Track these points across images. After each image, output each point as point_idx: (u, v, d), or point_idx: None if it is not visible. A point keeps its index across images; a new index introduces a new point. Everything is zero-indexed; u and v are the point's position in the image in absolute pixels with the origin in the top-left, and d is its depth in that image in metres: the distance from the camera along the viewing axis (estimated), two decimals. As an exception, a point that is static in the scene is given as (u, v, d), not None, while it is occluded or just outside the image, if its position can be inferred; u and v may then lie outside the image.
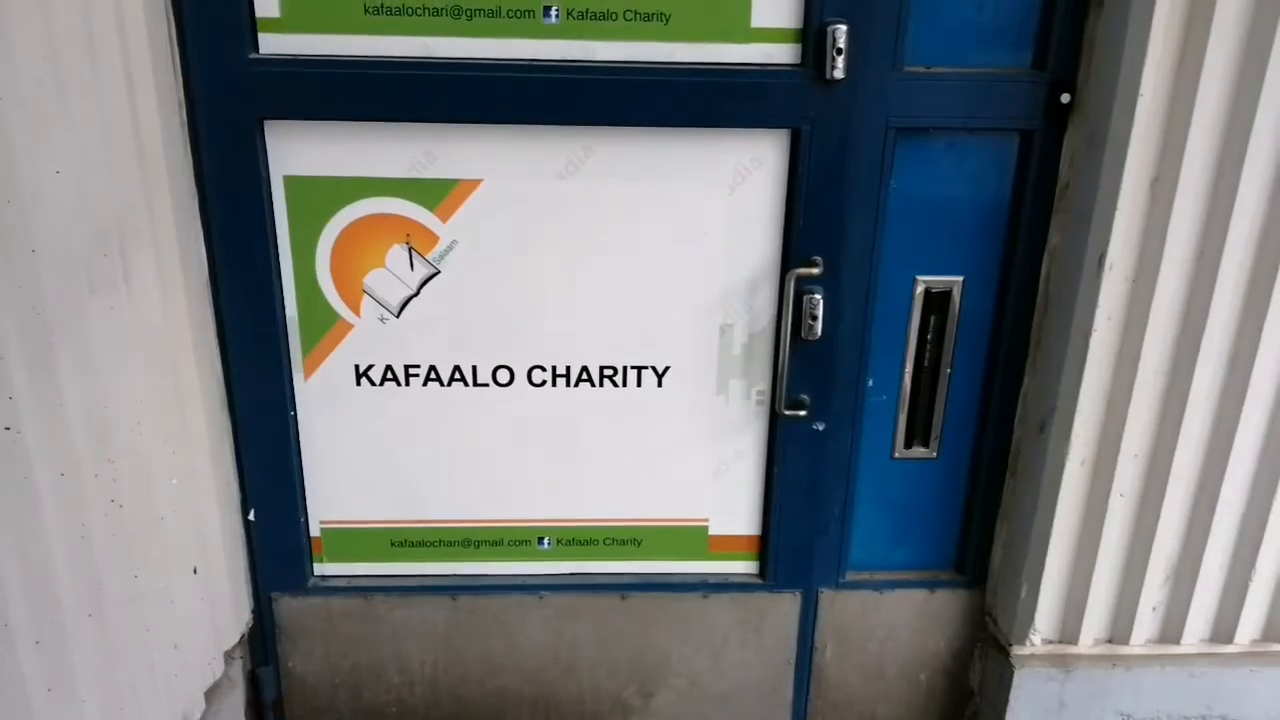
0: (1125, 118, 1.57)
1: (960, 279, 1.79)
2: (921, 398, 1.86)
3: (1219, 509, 1.79)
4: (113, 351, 1.38)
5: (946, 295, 1.80)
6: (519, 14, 1.59)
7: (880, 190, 1.70)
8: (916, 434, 1.89)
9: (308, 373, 1.79)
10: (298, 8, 1.56)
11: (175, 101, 1.54)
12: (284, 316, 1.74)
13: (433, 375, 1.81)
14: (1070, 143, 1.69)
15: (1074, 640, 1.90)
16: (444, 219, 1.71)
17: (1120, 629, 1.89)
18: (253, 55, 1.57)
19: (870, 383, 1.84)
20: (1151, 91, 1.55)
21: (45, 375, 1.22)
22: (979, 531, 1.94)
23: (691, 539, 1.94)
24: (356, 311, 1.76)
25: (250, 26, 1.56)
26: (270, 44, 1.58)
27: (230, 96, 1.58)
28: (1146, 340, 1.68)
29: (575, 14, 1.59)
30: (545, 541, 1.93)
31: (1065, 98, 1.65)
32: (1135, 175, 1.60)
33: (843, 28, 1.57)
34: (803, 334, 1.75)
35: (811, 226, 1.71)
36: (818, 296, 1.73)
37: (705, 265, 1.76)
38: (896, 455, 1.90)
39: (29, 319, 1.19)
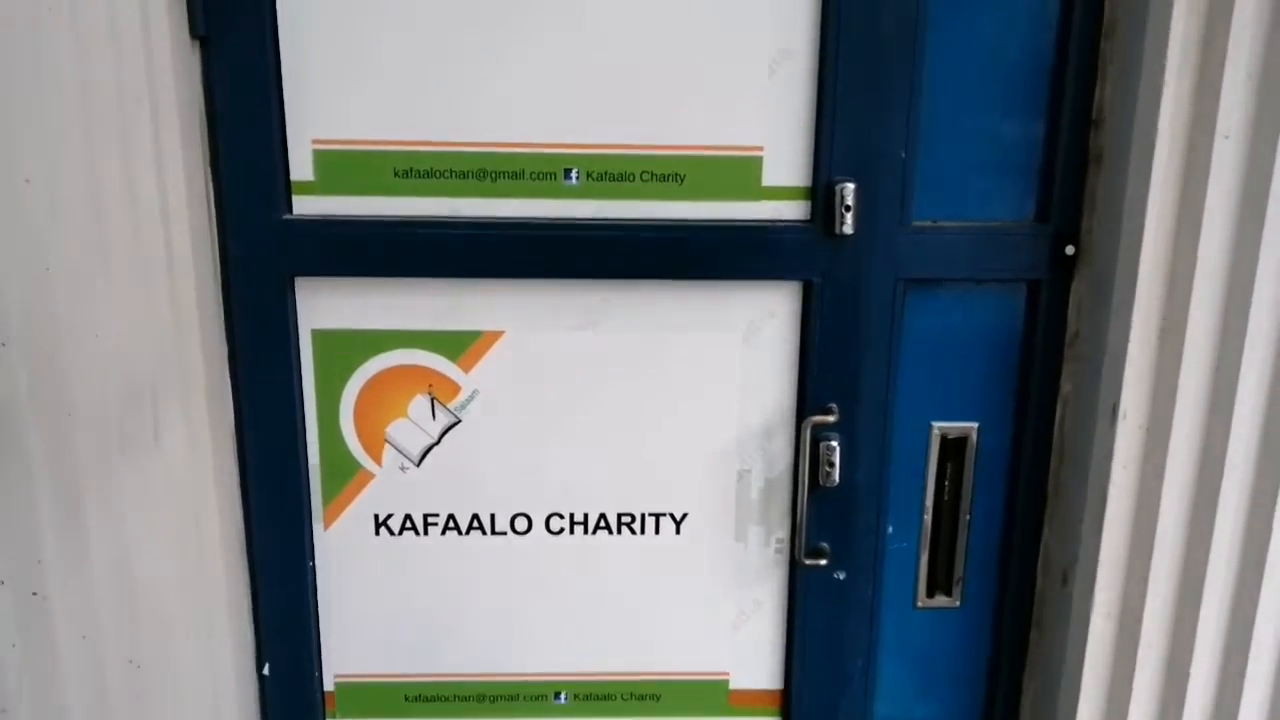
0: (1129, 269, 1.61)
1: (975, 425, 1.80)
2: (942, 545, 1.85)
3: (1251, 657, 1.74)
4: (139, 510, 1.40)
5: (963, 441, 1.81)
6: (541, 176, 1.67)
7: (892, 339, 1.74)
8: (938, 582, 1.87)
9: (328, 522, 1.80)
10: (331, 172, 1.64)
11: (211, 260, 1.60)
12: (306, 467, 1.76)
13: (451, 524, 1.81)
14: (1077, 292, 1.73)
15: (1112, 800, 1.82)
16: (466, 369, 1.75)
17: (1159, 787, 1.82)
18: (286, 216, 1.64)
19: (890, 530, 1.83)
20: (1154, 244, 1.60)
21: (74, 538, 1.24)
22: (1006, 685, 1.89)
23: (712, 694, 1.89)
24: (378, 461, 1.78)
25: (285, 189, 1.64)
26: (304, 205, 1.65)
27: (264, 255, 1.64)
28: (1165, 489, 1.67)
29: (595, 175, 1.67)
30: (562, 696, 1.89)
31: (1070, 249, 1.71)
32: (1143, 325, 1.63)
33: (850, 186, 1.64)
34: (820, 481, 1.76)
35: (826, 374, 1.74)
36: (834, 443, 1.75)
37: (721, 412, 1.78)
38: (919, 605, 1.88)
39: (62, 483, 1.22)
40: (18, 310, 1.14)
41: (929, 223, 1.71)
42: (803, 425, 1.74)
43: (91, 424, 1.28)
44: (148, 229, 1.40)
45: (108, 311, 1.31)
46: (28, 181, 1.15)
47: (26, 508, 1.18)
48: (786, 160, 1.67)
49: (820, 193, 1.66)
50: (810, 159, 1.66)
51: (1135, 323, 1.62)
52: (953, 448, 1.81)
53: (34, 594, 1.15)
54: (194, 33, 1.51)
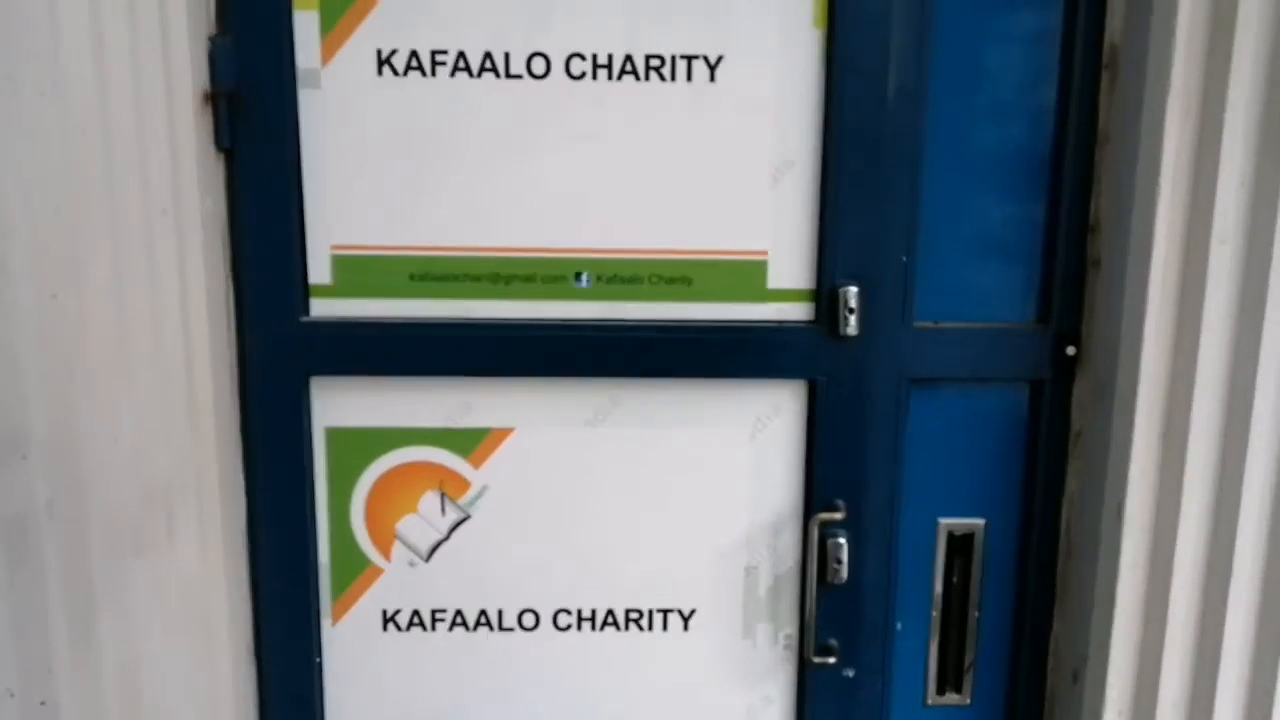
0: (1130, 372, 1.63)
1: (982, 522, 1.81)
2: (951, 642, 1.84)
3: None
4: (150, 612, 1.41)
5: (970, 538, 1.81)
6: (552, 279, 1.71)
7: (897, 437, 1.75)
8: (948, 680, 1.86)
9: (336, 618, 1.80)
10: (348, 276, 1.69)
11: (229, 362, 1.64)
12: (316, 563, 1.77)
13: (459, 620, 1.81)
14: (1079, 392, 1.75)
15: None
16: (476, 465, 1.77)
17: None
18: (304, 318, 1.68)
19: (899, 626, 1.83)
20: (1154, 347, 1.62)
21: (85, 644, 1.25)
22: (1020, 789, 1.87)
23: (720, 794, 1.87)
24: (387, 557, 1.79)
25: (303, 292, 1.68)
26: (320, 308, 1.70)
27: (281, 356, 1.68)
28: (1174, 589, 1.67)
29: (605, 278, 1.71)
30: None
31: (1071, 350, 1.73)
32: (1145, 427, 1.64)
33: (853, 289, 1.68)
34: (828, 578, 1.76)
35: (832, 472, 1.76)
36: (841, 540, 1.75)
37: (729, 508, 1.80)
38: (929, 702, 1.86)
39: (76, 591, 1.23)
40: (39, 422, 1.17)
41: (931, 323, 1.74)
42: (810, 522, 1.75)
43: (107, 529, 1.30)
44: (169, 336, 1.44)
45: (127, 418, 1.34)
46: (54, 296, 1.19)
47: (39, 617, 1.19)
48: (790, 264, 1.71)
49: (824, 295, 1.70)
50: (814, 262, 1.70)
51: (1138, 424, 1.64)
52: (960, 544, 1.82)
53: (42, 703, 1.16)
54: (220, 145, 1.57)
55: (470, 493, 1.78)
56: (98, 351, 1.27)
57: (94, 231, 1.25)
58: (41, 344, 1.16)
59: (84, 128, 1.22)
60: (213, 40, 1.53)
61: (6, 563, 1.17)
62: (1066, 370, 1.75)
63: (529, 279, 1.71)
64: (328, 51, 1.60)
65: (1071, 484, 1.78)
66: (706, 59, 1.63)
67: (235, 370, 1.66)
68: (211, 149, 1.56)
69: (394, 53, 1.60)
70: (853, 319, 1.69)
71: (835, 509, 1.75)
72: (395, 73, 1.61)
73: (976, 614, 1.83)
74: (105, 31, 1.26)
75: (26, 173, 1.12)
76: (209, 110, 1.54)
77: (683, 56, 1.63)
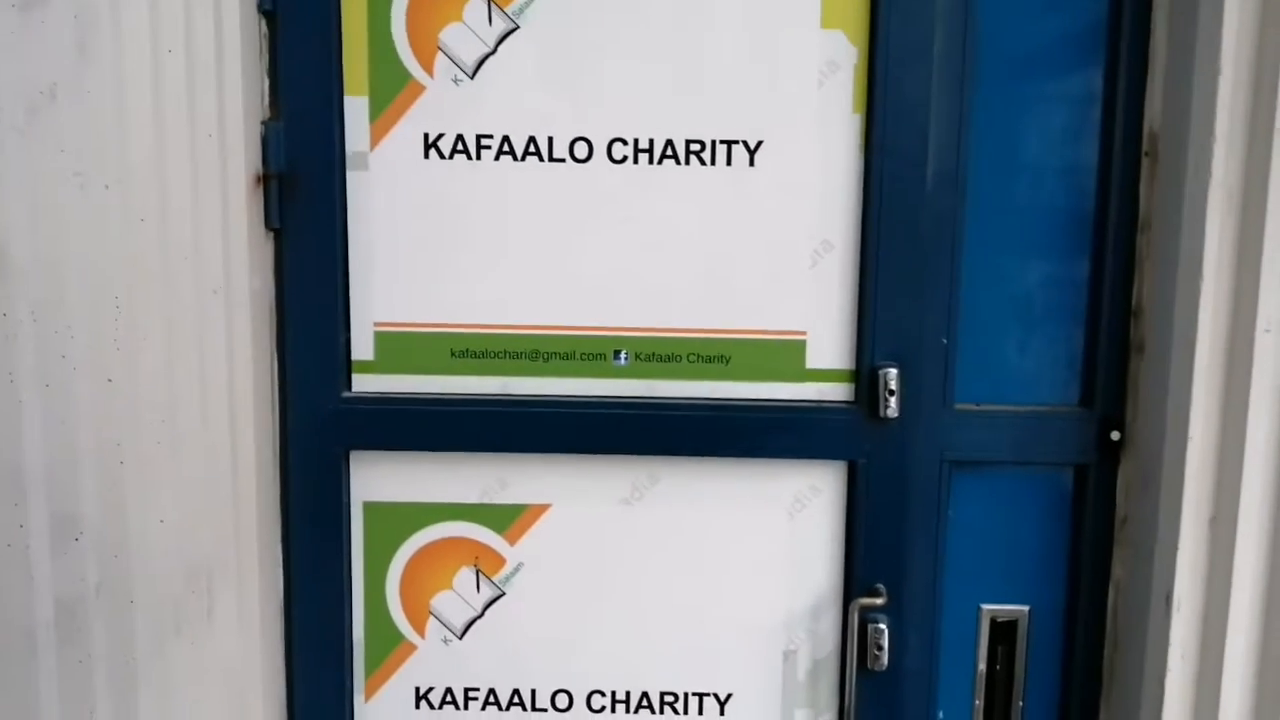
0: (1176, 458, 1.61)
1: (1026, 609, 1.78)
2: (994, 733, 1.80)
3: None
4: (189, 691, 1.41)
5: (1013, 625, 1.78)
6: (591, 357, 1.72)
7: (939, 520, 1.73)
8: (992, 772, 1.81)
9: (369, 694, 1.79)
10: (390, 353, 1.71)
11: (271, 438, 1.65)
12: (351, 638, 1.76)
13: (492, 699, 1.79)
14: (1124, 477, 1.72)
15: None
16: (512, 542, 1.77)
17: None
18: (346, 394, 1.70)
19: (941, 715, 1.78)
20: (1200, 433, 1.60)
21: (126, 723, 1.25)
22: None
23: None
24: (421, 633, 1.78)
25: (346, 368, 1.70)
26: (362, 383, 1.71)
27: (322, 432, 1.69)
28: (1225, 681, 1.62)
29: (643, 356, 1.72)
30: None
31: (1115, 435, 1.71)
32: (1193, 513, 1.61)
33: (893, 371, 1.67)
34: (869, 664, 1.73)
35: (872, 555, 1.74)
36: (882, 626, 1.72)
37: (767, 590, 1.77)
38: (972, 794, 1.81)
39: (119, 669, 1.24)
40: (92, 506, 1.19)
41: (973, 405, 1.73)
42: (850, 606, 1.72)
43: (150, 609, 1.31)
44: (215, 414, 1.46)
45: (173, 498, 1.36)
46: (110, 381, 1.21)
47: (85, 696, 1.20)
48: (830, 344, 1.71)
49: (864, 375, 1.70)
50: (853, 343, 1.70)
51: (1185, 511, 1.61)
52: (1003, 631, 1.78)
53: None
54: (269, 225, 1.61)
55: (505, 569, 1.77)
56: (148, 434, 1.29)
57: (149, 316, 1.28)
58: (96, 429, 1.19)
59: (144, 215, 1.26)
60: (266, 125, 1.58)
61: (56, 643, 1.18)
62: (1111, 455, 1.72)
63: (568, 356, 1.72)
64: (376, 135, 1.64)
65: (1118, 571, 1.75)
66: (746, 144, 1.65)
67: (277, 445, 1.68)
68: (261, 229, 1.59)
69: (440, 137, 1.64)
70: (893, 400, 1.68)
71: (876, 593, 1.73)
72: (442, 156, 1.65)
73: (1021, 704, 1.79)
74: (167, 122, 1.30)
75: (90, 265, 1.16)
76: (260, 191, 1.58)
77: (723, 141, 1.65)
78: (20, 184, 1.13)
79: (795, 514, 1.76)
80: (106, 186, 1.18)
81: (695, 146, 1.66)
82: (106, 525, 1.20)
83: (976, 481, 1.75)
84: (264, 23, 1.56)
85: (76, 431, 1.15)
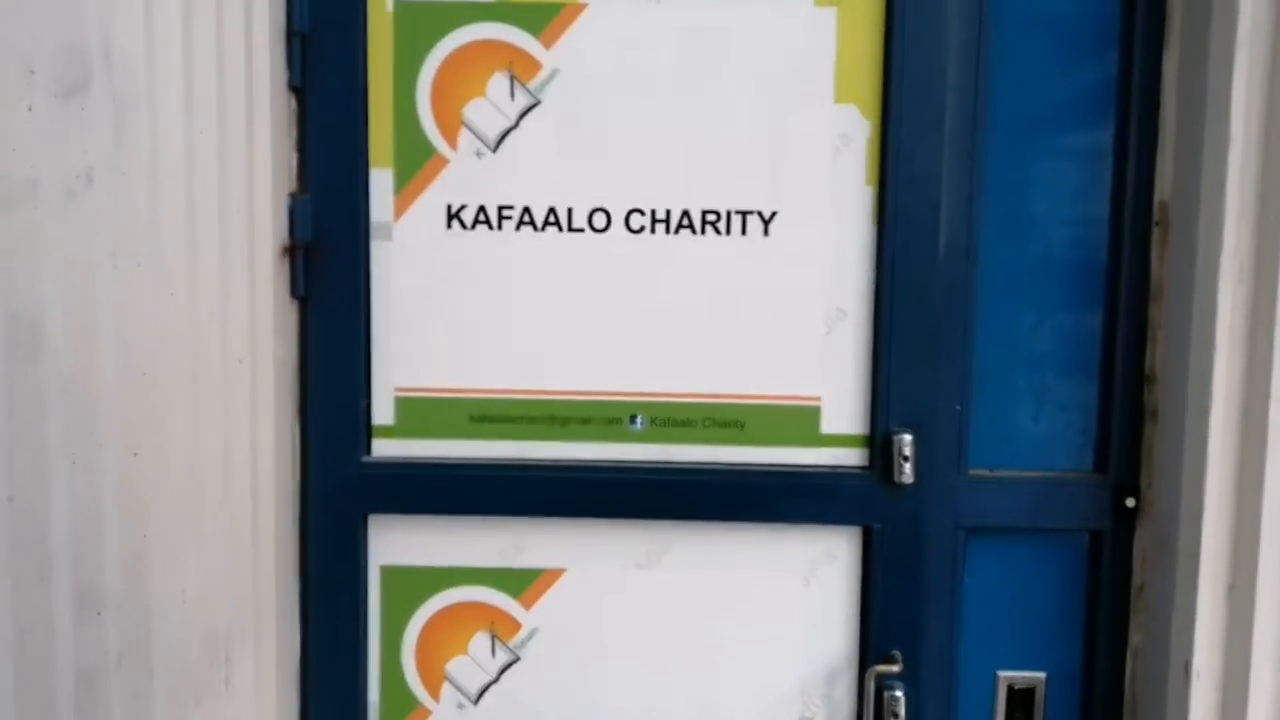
0: (1193, 526, 1.61)
1: (1043, 675, 1.76)
2: (1013, 803, 1.78)
3: None
4: (206, 761, 1.41)
5: (1030, 692, 1.76)
6: (608, 421, 1.74)
7: (954, 586, 1.73)
8: (1011, 843, 1.78)
9: (383, 760, 1.79)
10: (410, 418, 1.73)
11: (291, 504, 1.67)
12: (365, 703, 1.76)
13: (506, 765, 1.79)
14: (1140, 544, 1.72)
15: None
16: (527, 606, 1.77)
17: None
18: (366, 458, 1.72)
19: (958, 785, 1.77)
20: (1216, 501, 1.59)
21: (144, 798, 1.25)
22: None
23: None
24: (436, 698, 1.78)
25: (366, 433, 1.72)
26: (382, 448, 1.73)
27: (342, 496, 1.71)
28: (1248, 754, 1.60)
29: (659, 421, 1.74)
30: None
31: (1130, 502, 1.71)
32: (1211, 582, 1.61)
33: (908, 437, 1.68)
34: (885, 732, 1.72)
35: (888, 621, 1.73)
36: (899, 693, 1.71)
37: (782, 655, 1.77)
38: None
39: (139, 742, 1.24)
40: (115, 578, 1.20)
41: (987, 471, 1.73)
42: (866, 673, 1.72)
43: (170, 679, 1.32)
44: (238, 482, 1.48)
45: (195, 567, 1.37)
46: (135, 455, 1.23)
47: (104, 770, 1.20)
48: (844, 410, 1.72)
49: (878, 441, 1.71)
50: (868, 409, 1.71)
51: (1203, 579, 1.60)
52: (1020, 699, 1.77)
53: None
54: (294, 294, 1.64)
55: (520, 634, 1.77)
56: (171, 505, 1.31)
57: (176, 388, 1.30)
58: (121, 501, 1.20)
59: (173, 290, 1.29)
60: (293, 197, 1.62)
61: (75, 714, 1.18)
62: (1126, 521, 1.72)
63: (585, 421, 1.74)
64: (400, 206, 1.68)
65: (1135, 638, 1.74)
66: (761, 214, 1.68)
67: (297, 510, 1.69)
68: (286, 297, 1.62)
69: (463, 208, 1.68)
70: (907, 466, 1.69)
71: (892, 660, 1.72)
72: (464, 226, 1.68)
73: (1039, 772, 1.77)
74: (198, 198, 1.34)
75: (120, 340, 1.18)
76: (286, 262, 1.61)
77: (738, 212, 1.68)
78: (57, 266, 1.16)
79: (810, 580, 1.76)
80: (138, 264, 1.21)
81: (711, 217, 1.69)
82: (128, 598, 1.21)
83: (992, 547, 1.75)
84: (293, 98, 1.61)
85: (102, 505, 1.17)
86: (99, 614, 1.17)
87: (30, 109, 1.18)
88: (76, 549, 1.16)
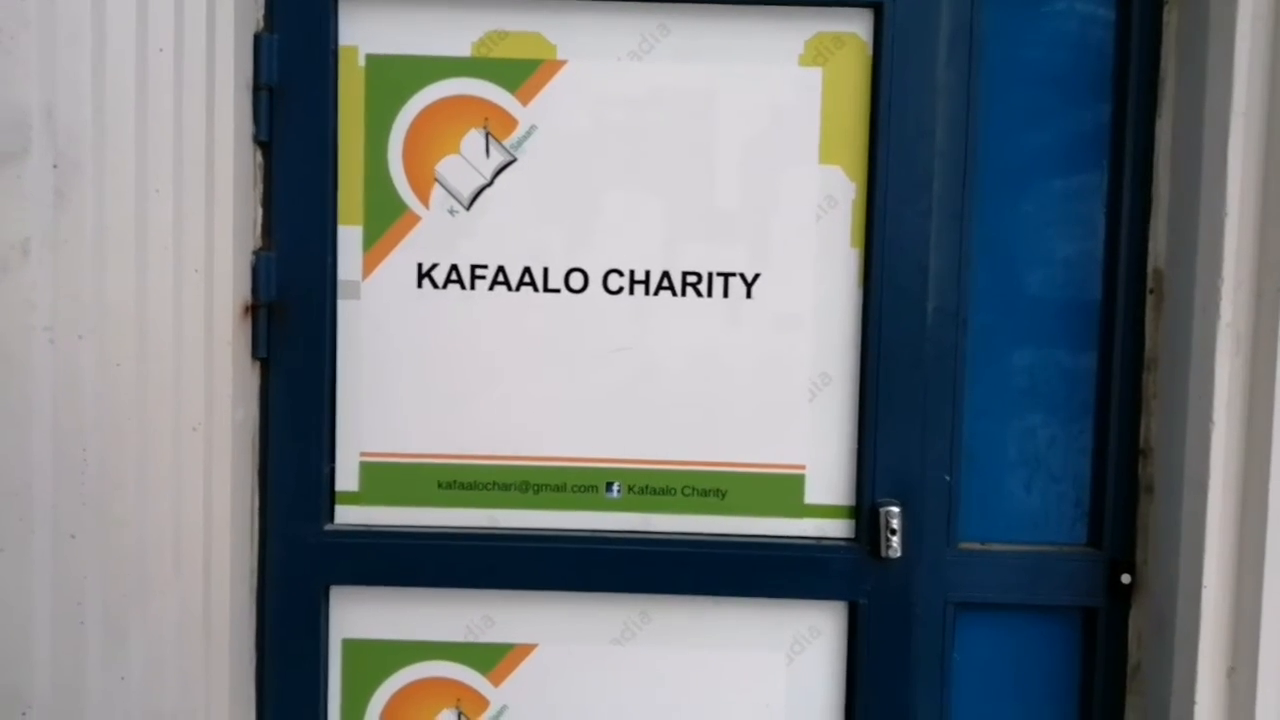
0: (1191, 605, 1.55)
1: (1036, 759, 1.69)
2: None
3: None
4: None
5: (1023, 777, 1.69)
6: (583, 489, 1.67)
7: (944, 664, 1.66)
8: None
9: (341, 845, 1.69)
10: (376, 484, 1.66)
11: (247, 576, 1.59)
12: (325, 785, 1.67)
13: None
14: (1136, 622, 1.66)
15: None
16: (496, 683, 1.69)
17: None
18: (328, 526, 1.64)
19: None
20: (1215, 579, 1.53)
21: None
22: None
23: None
24: (400, 778, 1.69)
25: (329, 500, 1.65)
26: (345, 515, 1.66)
27: (302, 566, 1.63)
28: (1252, 847, 1.53)
29: (636, 489, 1.67)
30: None
31: (1126, 578, 1.65)
32: (1210, 664, 1.54)
33: (895, 509, 1.62)
34: (872, 818, 1.64)
35: (875, 700, 1.65)
36: (886, 778, 1.64)
37: (764, 736, 1.69)
38: None
39: None
40: (43, 676, 1.12)
41: (977, 544, 1.67)
42: (851, 756, 1.64)
43: (107, 773, 1.23)
44: (189, 557, 1.40)
45: (138, 652, 1.29)
46: (73, 537, 1.15)
47: None
48: (829, 479, 1.66)
49: (864, 512, 1.64)
50: (853, 478, 1.65)
51: (1202, 661, 1.54)
52: (1013, 783, 1.69)
53: None
54: (256, 355, 1.57)
55: (489, 713, 1.69)
56: (112, 587, 1.23)
57: (121, 463, 1.23)
58: (55, 587, 1.12)
59: (120, 360, 1.22)
60: (257, 254, 1.55)
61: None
62: (1121, 598, 1.65)
63: (559, 488, 1.67)
64: (369, 265, 1.62)
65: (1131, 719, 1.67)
66: (743, 276, 1.63)
67: (254, 581, 1.61)
68: (247, 359, 1.55)
69: (434, 267, 1.62)
70: (895, 539, 1.62)
71: (878, 742, 1.64)
72: (435, 285, 1.62)
73: None
74: (150, 262, 1.27)
75: (56, 418, 1.11)
76: (248, 321, 1.54)
77: (720, 274, 1.63)
78: (-14, 342, 1.09)
79: (794, 657, 1.68)
80: (80, 336, 1.14)
81: (692, 278, 1.63)
82: (60, 691, 1.13)
83: (982, 623, 1.68)
84: (259, 153, 1.55)
85: (31, 597, 1.08)
86: (23, 715, 1.08)
87: (-42, 179, 1.11)
88: (1, 649, 1.08)
